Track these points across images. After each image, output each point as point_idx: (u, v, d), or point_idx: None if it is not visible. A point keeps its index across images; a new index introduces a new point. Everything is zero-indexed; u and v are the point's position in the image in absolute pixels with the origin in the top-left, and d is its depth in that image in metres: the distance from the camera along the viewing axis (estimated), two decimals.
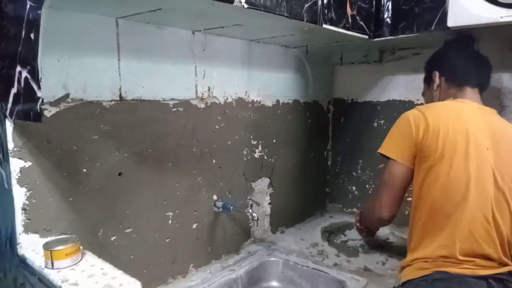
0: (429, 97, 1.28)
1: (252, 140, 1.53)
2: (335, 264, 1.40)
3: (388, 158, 1.13)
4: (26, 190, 0.90)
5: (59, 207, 0.96)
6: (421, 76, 1.34)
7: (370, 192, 1.87)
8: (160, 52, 1.16)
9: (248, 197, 1.54)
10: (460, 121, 1.07)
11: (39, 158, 0.91)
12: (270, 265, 1.44)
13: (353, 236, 1.65)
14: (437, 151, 1.03)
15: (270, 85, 1.59)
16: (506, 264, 1.01)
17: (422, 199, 1.06)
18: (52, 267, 0.81)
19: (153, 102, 1.15)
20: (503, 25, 1.11)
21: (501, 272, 1.00)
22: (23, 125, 0.87)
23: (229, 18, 1.10)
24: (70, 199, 0.98)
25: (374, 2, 1.36)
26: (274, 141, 1.64)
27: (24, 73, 0.78)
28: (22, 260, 0.90)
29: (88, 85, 1.00)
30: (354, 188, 1.94)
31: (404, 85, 1.72)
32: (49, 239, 0.91)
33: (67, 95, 0.95)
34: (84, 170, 1.01)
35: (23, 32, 0.77)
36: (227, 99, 1.40)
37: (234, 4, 0.89)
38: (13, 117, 0.85)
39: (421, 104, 1.47)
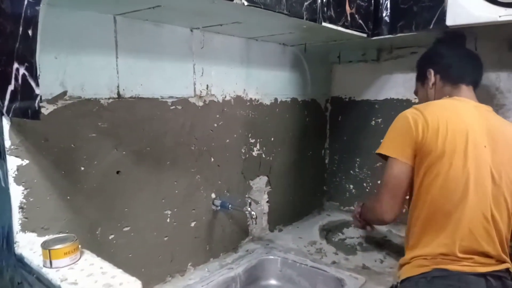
0: (424, 96, 1.28)
1: (250, 139, 1.53)
2: (334, 262, 1.40)
3: (387, 159, 1.11)
4: (23, 188, 0.89)
5: (56, 206, 0.95)
6: None
7: (367, 190, 1.87)
8: (158, 49, 1.15)
9: (246, 196, 1.54)
10: (459, 120, 1.07)
11: (36, 156, 0.91)
12: (269, 264, 1.44)
13: (351, 234, 1.66)
14: (437, 150, 1.03)
15: (268, 83, 1.59)
16: (504, 261, 1.02)
17: (421, 197, 1.06)
18: (51, 266, 0.80)
19: (151, 100, 1.15)
20: (501, 24, 1.12)
21: (499, 270, 1.01)
22: (20, 123, 0.87)
23: (228, 16, 1.10)
24: (68, 197, 0.98)
25: (373, 1, 1.36)
26: (272, 139, 1.64)
27: (22, 70, 0.77)
28: (20, 259, 0.89)
29: (86, 83, 0.99)
30: (351, 186, 1.95)
31: (401, 84, 1.72)
32: (47, 237, 0.90)
33: (64, 93, 0.94)
34: (82, 168, 1.00)
35: (21, 29, 0.76)
36: (225, 97, 1.40)
37: (234, 1, 0.89)
38: (10, 115, 0.84)
39: (419, 102, 1.47)
